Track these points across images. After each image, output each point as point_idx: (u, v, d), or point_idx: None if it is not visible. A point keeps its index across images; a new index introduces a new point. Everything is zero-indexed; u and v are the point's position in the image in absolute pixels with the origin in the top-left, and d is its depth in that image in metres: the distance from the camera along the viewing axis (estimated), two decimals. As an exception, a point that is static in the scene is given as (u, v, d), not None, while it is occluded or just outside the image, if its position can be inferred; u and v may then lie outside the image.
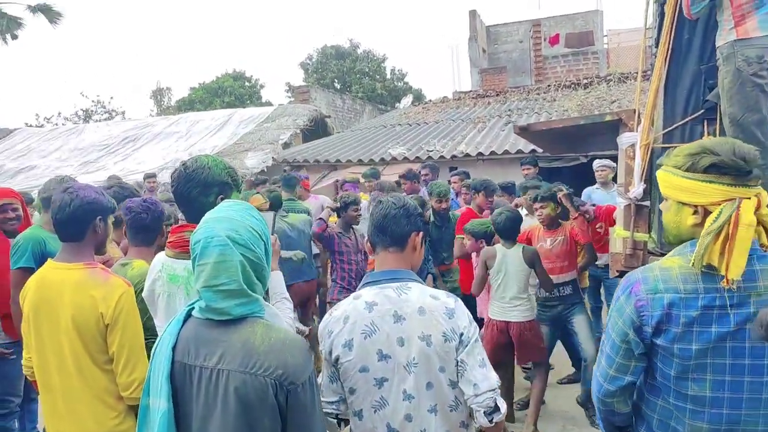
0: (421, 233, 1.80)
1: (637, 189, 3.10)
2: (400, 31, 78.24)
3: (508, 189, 5.70)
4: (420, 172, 6.69)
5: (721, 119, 2.84)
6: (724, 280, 1.37)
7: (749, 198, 1.38)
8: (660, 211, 3.07)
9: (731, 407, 1.42)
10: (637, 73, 12.83)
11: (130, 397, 2.01)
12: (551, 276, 3.95)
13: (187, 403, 1.41)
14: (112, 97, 39.43)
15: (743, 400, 1.41)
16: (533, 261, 3.74)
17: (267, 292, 1.83)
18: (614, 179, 6.07)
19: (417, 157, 9.09)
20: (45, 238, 3.06)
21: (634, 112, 3.40)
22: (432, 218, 4.99)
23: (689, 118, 2.98)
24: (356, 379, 1.67)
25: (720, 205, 1.40)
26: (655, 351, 1.48)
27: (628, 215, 3.20)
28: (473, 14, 20.97)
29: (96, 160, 13.10)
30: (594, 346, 3.95)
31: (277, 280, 2.05)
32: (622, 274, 3.82)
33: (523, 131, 4.51)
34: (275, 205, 4.78)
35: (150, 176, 8.66)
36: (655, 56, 3.19)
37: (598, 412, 1.70)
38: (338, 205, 4.80)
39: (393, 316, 1.66)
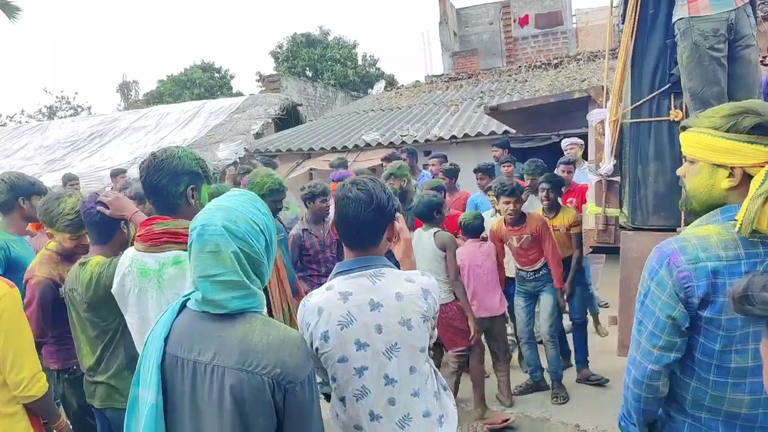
0: (394, 221, 1.75)
1: (608, 165, 3.12)
2: (371, 17, 77.72)
3: (488, 171, 5.70)
4: (400, 157, 6.65)
5: None
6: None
7: None
8: (634, 186, 3.11)
9: None
10: (605, 51, 12.95)
11: (23, 396, 2.06)
12: (524, 268, 4.14)
13: (178, 397, 1.36)
14: (77, 93, 38.46)
15: None
16: (445, 246, 3.73)
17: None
18: (584, 156, 6.14)
19: (391, 143, 9.04)
20: (8, 241, 2.96)
21: (603, 88, 3.41)
22: None
23: (656, 92, 3.00)
24: (336, 368, 1.64)
25: (764, 167, 1.36)
26: (697, 326, 1.42)
27: (599, 191, 3.23)
28: (442, -3, 20.86)
29: (62, 158, 12.76)
30: (549, 326, 4.11)
31: None
32: (596, 249, 3.87)
33: (494, 111, 4.52)
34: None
35: (119, 172, 8.42)
36: (623, 33, 3.19)
37: (635, 402, 1.55)
38: (305, 195, 4.51)
39: (369, 304, 1.63)
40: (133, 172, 10.45)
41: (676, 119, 2.90)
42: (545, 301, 4.14)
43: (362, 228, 1.67)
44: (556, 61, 13.99)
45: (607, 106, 3.19)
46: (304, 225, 4.43)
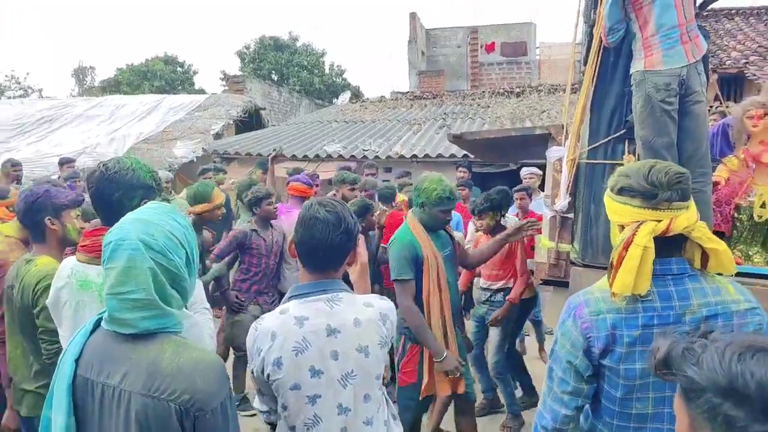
0: (356, 245, 1.72)
1: (563, 202, 3.21)
2: (341, 28, 77.88)
3: (467, 184, 6.08)
4: (364, 171, 6.68)
5: None
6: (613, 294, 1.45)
7: (656, 220, 1.44)
8: (586, 224, 3.20)
9: (672, 422, 1.48)
10: (565, 86, 13.30)
11: None
12: (488, 281, 4.13)
13: (89, 420, 1.30)
14: (28, 73, 36.71)
15: None
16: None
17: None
18: (540, 187, 6.34)
19: (352, 156, 9.05)
20: None
21: (563, 127, 3.52)
22: None
23: (612, 136, 3.11)
24: (287, 396, 1.58)
25: (630, 225, 1.48)
26: (602, 373, 1.51)
27: (553, 226, 3.32)
28: (413, 17, 21.18)
29: (6, 140, 12.14)
30: (495, 362, 4.05)
31: (197, 288, 1.96)
32: (546, 282, 3.97)
33: (457, 139, 4.58)
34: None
35: (67, 161, 8.05)
36: (583, 73, 3.32)
37: None
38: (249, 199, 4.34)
39: (326, 329, 1.59)
40: (82, 162, 10.07)
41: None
42: (493, 334, 4.11)
43: (328, 251, 1.63)
44: (518, 90, 14.40)
45: (566, 145, 3.29)
46: (253, 226, 4.31)
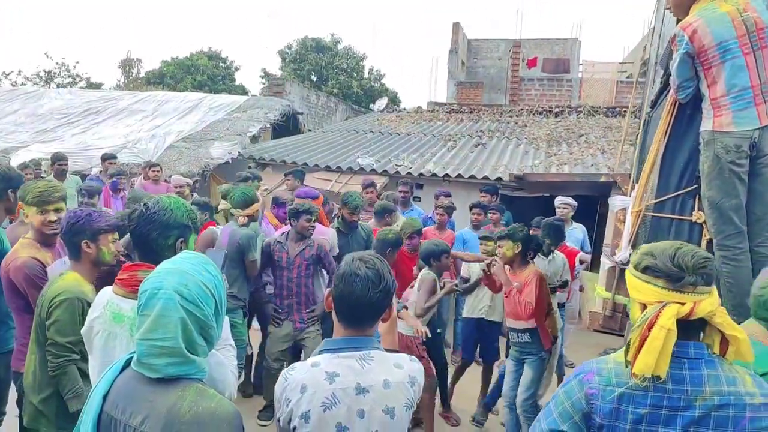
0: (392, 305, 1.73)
1: (624, 253, 3.14)
2: (384, 33, 78.07)
3: (499, 208, 6.17)
4: (399, 189, 6.75)
5: None
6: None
7: (679, 303, 1.44)
8: None
9: None
10: (606, 108, 13.01)
11: None
12: (511, 323, 3.91)
13: None
14: (77, 62, 37.73)
15: None
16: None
17: None
18: (573, 218, 6.27)
19: (384, 170, 9.08)
20: None
21: (629, 176, 3.42)
22: (337, 225, 5.00)
23: (682, 191, 3.02)
24: None
25: (654, 305, 1.48)
26: None
27: (611, 277, 3.24)
28: (456, 26, 21.14)
29: (53, 129, 12.56)
30: (525, 395, 3.85)
31: (224, 325, 2.02)
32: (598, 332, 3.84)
33: (518, 179, 4.48)
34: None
35: (110, 157, 8.30)
36: (649, 115, 3.19)
37: None
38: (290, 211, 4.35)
39: (356, 388, 1.60)
40: (123, 157, 10.36)
41: (698, 221, 2.92)
42: (526, 371, 3.88)
43: (367, 308, 1.64)
44: (557, 110, 14.21)
45: (632, 195, 3.21)
46: (281, 238, 4.34)
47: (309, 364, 1.66)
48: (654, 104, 3.21)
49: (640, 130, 3.99)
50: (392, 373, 1.64)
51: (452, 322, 6.22)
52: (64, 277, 2.35)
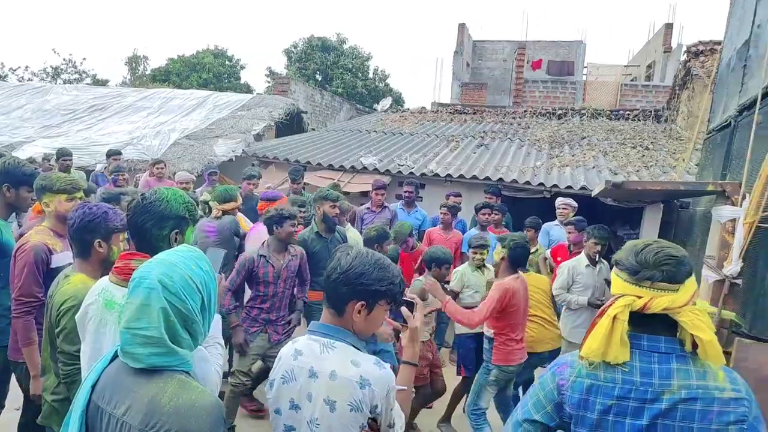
0: (363, 303, 1.67)
1: (734, 266, 3.01)
2: (389, 34, 78.09)
3: (536, 225, 6.02)
4: (404, 189, 6.79)
5: None
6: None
7: (636, 296, 1.50)
8: (756, 292, 2.92)
9: None
10: (609, 110, 12.93)
11: None
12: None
13: None
14: (84, 58, 37.85)
15: None
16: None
17: None
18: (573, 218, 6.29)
19: (387, 170, 9.13)
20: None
21: (740, 186, 3.29)
22: (316, 229, 4.72)
23: None
24: (273, 416, 1.74)
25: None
26: None
27: (717, 291, 3.07)
28: (462, 27, 21.16)
29: (59, 125, 12.65)
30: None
31: (215, 322, 1.97)
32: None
33: (616, 187, 4.20)
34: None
35: (115, 153, 8.38)
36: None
37: None
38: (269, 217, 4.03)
39: (309, 371, 1.67)
40: (128, 154, 10.44)
41: None
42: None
43: (342, 284, 1.68)
44: (560, 112, 14.22)
45: (743, 205, 3.06)
46: (263, 251, 4.03)
47: (298, 338, 1.79)
48: (741, 111, 3.04)
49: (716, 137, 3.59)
50: (344, 367, 1.64)
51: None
52: (71, 280, 2.26)
